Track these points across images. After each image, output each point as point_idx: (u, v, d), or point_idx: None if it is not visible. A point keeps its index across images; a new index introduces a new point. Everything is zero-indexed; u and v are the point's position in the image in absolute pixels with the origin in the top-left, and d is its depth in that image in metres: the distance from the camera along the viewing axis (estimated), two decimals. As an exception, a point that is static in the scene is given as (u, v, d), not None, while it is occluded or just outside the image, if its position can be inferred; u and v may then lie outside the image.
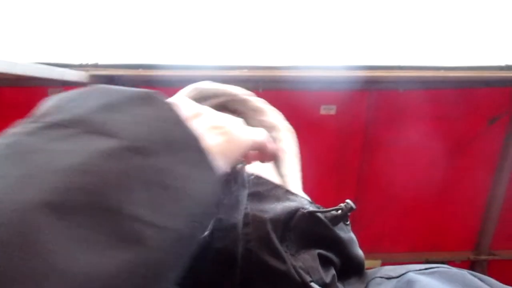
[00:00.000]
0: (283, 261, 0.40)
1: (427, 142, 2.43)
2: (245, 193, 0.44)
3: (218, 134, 0.36)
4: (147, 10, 2.06)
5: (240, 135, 0.38)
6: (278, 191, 0.47)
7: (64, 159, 0.23)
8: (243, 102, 0.69)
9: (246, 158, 0.45)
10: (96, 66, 2.04)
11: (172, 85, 2.23)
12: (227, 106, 0.67)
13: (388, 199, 2.62)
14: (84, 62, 2.04)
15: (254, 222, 0.41)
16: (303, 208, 0.45)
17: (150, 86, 2.25)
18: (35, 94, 2.24)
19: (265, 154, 0.46)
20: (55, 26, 1.99)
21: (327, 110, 2.33)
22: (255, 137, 0.42)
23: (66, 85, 2.18)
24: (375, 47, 2.22)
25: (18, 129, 0.27)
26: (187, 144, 0.29)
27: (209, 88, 0.67)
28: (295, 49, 2.20)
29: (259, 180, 0.47)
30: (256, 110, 0.70)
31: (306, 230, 0.44)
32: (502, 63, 2.16)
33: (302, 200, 0.48)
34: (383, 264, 2.74)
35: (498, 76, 2.15)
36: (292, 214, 0.44)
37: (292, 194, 0.48)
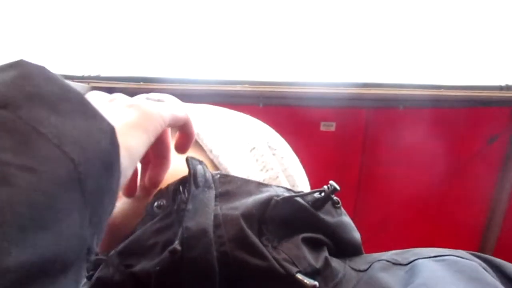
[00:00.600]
0: (264, 256, 0.38)
1: (427, 160, 2.43)
2: (211, 194, 0.42)
3: (133, 110, 0.36)
4: (149, 23, 2.08)
5: (157, 109, 0.38)
6: (250, 186, 0.45)
7: None
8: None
9: (164, 140, 0.45)
10: (98, 78, 2.05)
11: (172, 99, 2.24)
12: None
13: (387, 217, 2.60)
14: (86, 74, 2.05)
15: (225, 222, 0.39)
16: (276, 196, 0.42)
17: (150, 99, 2.26)
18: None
19: (185, 132, 0.45)
20: (57, 37, 2.00)
21: (327, 126, 2.33)
22: (175, 111, 0.42)
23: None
24: (375, 64, 2.24)
25: None
26: (62, 97, 0.28)
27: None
28: (296, 66, 2.21)
29: (225, 178, 0.45)
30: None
31: (285, 218, 0.42)
32: (502, 83, 2.17)
33: (276, 189, 0.45)
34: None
35: (498, 96, 2.15)
36: (266, 204, 0.41)
37: (265, 185, 0.46)
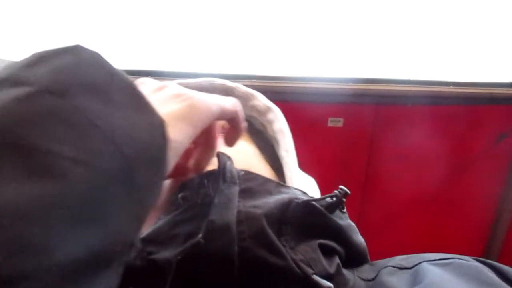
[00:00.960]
0: (282, 256, 0.39)
1: (434, 158, 2.41)
2: (235, 190, 0.43)
3: (180, 101, 0.36)
4: (155, 17, 2.08)
5: (205, 100, 0.38)
6: (270, 185, 0.46)
7: None
8: (232, 89, 0.70)
9: (211, 133, 0.45)
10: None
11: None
12: None
13: (394, 213, 2.60)
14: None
15: (247, 219, 0.40)
16: (296, 199, 0.44)
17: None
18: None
19: (234, 126, 0.45)
20: (64, 30, 2.01)
21: (335, 122, 2.33)
22: (224, 104, 0.41)
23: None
24: (383, 60, 2.22)
25: None
26: (116, 87, 0.28)
27: (192, 82, 0.70)
28: (304, 61, 2.20)
29: (249, 175, 0.47)
30: (247, 96, 0.70)
31: (302, 221, 0.43)
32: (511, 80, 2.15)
33: (295, 191, 0.47)
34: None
35: (506, 93, 2.13)
36: (286, 206, 0.43)
37: (284, 186, 0.47)
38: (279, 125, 0.68)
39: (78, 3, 2.00)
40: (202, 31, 2.10)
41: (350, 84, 2.06)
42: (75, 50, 0.29)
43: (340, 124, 2.34)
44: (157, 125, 0.30)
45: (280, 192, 0.46)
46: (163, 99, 0.36)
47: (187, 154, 0.49)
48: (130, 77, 0.30)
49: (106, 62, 0.30)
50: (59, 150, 0.23)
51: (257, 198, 0.44)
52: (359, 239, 0.49)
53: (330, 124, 2.34)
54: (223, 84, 0.71)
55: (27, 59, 0.28)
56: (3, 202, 0.20)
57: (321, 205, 0.45)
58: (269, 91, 2.23)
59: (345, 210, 0.48)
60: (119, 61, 2.15)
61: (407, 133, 2.36)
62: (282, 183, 0.48)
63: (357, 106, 2.33)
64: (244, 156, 0.58)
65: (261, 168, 0.60)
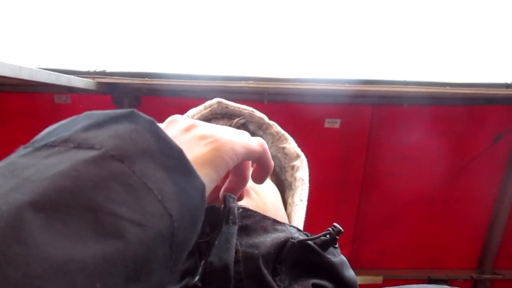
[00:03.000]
0: None
1: (431, 158, 2.42)
2: (235, 229, 0.44)
3: (206, 144, 0.37)
4: (155, 20, 2.08)
5: (231, 142, 0.39)
6: (266, 222, 0.48)
7: (51, 169, 0.26)
8: (268, 126, 0.71)
9: (242, 169, 0.45)
10: (103, 73, 2.06)
11: (177, 95, 2.24)
12: (248, 127, 0.69)
13: (391, 214, 2.60)
14: (91, 69, 2.06)
15: (244, 259, 0.42)
16: (292, 238, 0.45)
17: (155, 95, 2.26)
18: (41, 100, 2.26)
19: (261, 166, 0.45)
20: (64, 33, 2.01)
21: (331, 123, 2.33)
22: (250, 144, 0.41)
23: (72, 91, 2.20)
24: (380, 61, 2.23)
25: (13, 154, 0.30)
26: (166, 153, 0.31)
27: (235, 107, 0.70)
28: (301, 62, 2.21)
29: (246, 212, 0.48)
30: (279, 137, 0.72)
31: (297, 260, 0.45)
32: (508, 80, 2.16)
33: (290, 229, 0.48)
34: (385, 280, 2.72)
35: (503, 94, 2.14)
36: (282, 245, 0.44)
37: (280, 223, 0.48)
38: (302, 174, 0.69)
39: (83, 9, 2.01)
40: (201, 33, 2.11)
41: (347, 85, 2.06)
42: (131, 117, 0.31)
43: (337, 125, 2.35)
44: (199, 189, 0.32)
45: (276, 230, 0.47)
46: (190, 142, 0.38)
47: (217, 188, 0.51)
48: (169, 139, 0.32)
49: (159, 128, 0.32)
50: (119, 212, 0.25)
51: (253, 236, 0.45)
52: (350, 274, 0.49)
53: (327, 125, 2.34)
54: (261, 118, 0.72)
55: (82, 120, 0.31)
56: (69, 259, 0.22)
57: (316, 243, 0.46)
58: (266, 92, 2.25)
59: (337, 245, 0.49)
60: (124, 63, 2.15)
61: (404, 133, 2.37)
62: (278, 220, 0.49)
63: (354, 107, 2.33)
64: (273, 200, 0.60)
65: (282, 211, 0.63)
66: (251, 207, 0.50)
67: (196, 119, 0.65)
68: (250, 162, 0.46)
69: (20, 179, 0.25)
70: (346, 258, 0.49)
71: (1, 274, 0.20)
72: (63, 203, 0.24)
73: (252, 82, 2.04)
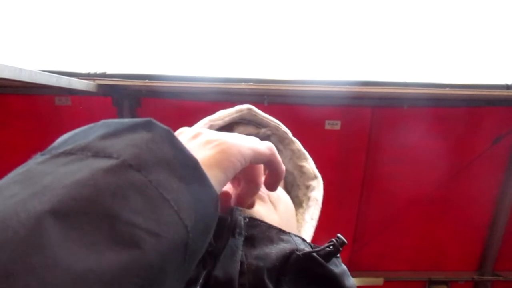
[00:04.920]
0: None
1: (431, 160, 2.42)
2: (240, 241, 0.44)
3: (212, 147, 0.38)
4: (156, 22, 2.08)
5: (238, 145, 0.39)
6: (272, 232, 0.48)
7: (69, 177, 0.26)
8: (290, 142, 0.72)
9: (254, 176, 0.45)
10: (103, 75, 2.06)
11: (178, 97, 2.24)
12: (270, 139, 0.69)
13: (391, 216, 2.60)
14: (92, 71, 2.06)
15: (249, 271, 0.42)
16: (297, 250, 0.45)
17: (155, 97, 2.26)
18: (41, 102, 2.26)
19: (272, 171, 0.45)
20: (65, 35, 2.01)
21: (332, 125, 2.33)
22: (258, 147, 0.41)
23: (72, 93, 2.20)
24: (380, 63, 2.23)
25: (30, 160, 0.30)
26: (181, 163, 0.31)
27: (263, 117, 0.71)
28: (301, 64, 2.21)
29: (253, 222, 0.48)
30: (299, 155, 0.72)
31: (301, 271, 0.45)
32: (508, 81, 2.16)
33: (295, 239, 0.48)
34: (385, 282, 2.71)
35: (503, 95, 2.14)
36: (287, 257, 0.44)
37: (285, 233, 0.49)
38: (317, 195, 0.70)
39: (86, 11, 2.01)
40: (201, 35, 2.11)
41: (347, 86, 2.06)
42: (148, 126, 0.32)
43: (337, 127, 2.35)
44: (213, 199, 0.33)
45: (282, 240, 0.47)
46: (197, 146, 0.38)
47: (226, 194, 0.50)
48: (185, 149, 0.33)
49: (175, 137, 0.32)
50: (136, 221, 0.26)
51: (259, 246, 0.45)
52: (351, 283, 0.50)
53: (327, 127, 2.34)
54: (286, 133, 0.73)
55: (99, 128, 0.31)
56: (87, 268, 0.23)
57: (319, 254, 0.46)
58: (266, 94, 2.25)
59: (339, 256, 0.49)
60: (124, 65, 2.15)
61: (404, 135, 2.37)
62: (283, 230, 0.49)
63: (354, 108, 2.33)
64: (286, 210, 0.60)
65: (293, 222, 0.64)
66: (262, 214, 0.51)
67: (227, 120, 0.68)
68: (262, 168, 0.46)
69: (38, 186, 0.25)
70: (347, 260, 0.50)
71: (21, 283, 0.21)
72: (81, 212, 0.24)
73: (252, 84, 2.04)
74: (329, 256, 0.46)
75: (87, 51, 2.13)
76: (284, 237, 0.48)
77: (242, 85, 2.02)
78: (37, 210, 0.23)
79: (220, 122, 0.67)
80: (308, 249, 0.46)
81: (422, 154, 2.41)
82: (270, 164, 0.45)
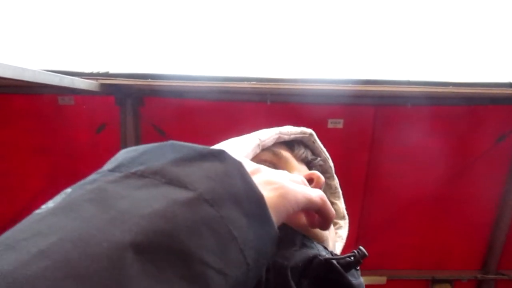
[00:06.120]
0: None
1: (434, 158, 2.42)
2: None
3: (272, 189, 0.38)
4: (158, 22, 2.09)
5: (294, 191, 0.40)
6: (296, 237, 0.50)
7: (147, 205, 0.27)
8: (330, 177, 0.75)
9: (300, 221, 0.47)
10: (106, 75, 2.06)
11: (180, 96, 2.25)
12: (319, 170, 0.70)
13: (394, 214, 2.60)
14: (94, 71, 2.06)
15: (275, 268, 0.44)
16: (320, 256, 0.47)
17: (158, 96, 2.27)
18: (44, 101, 2.27)
19: (322, 217, 0.46)
20: (68, 34, 2.01)
21: (335, 124, 2.33)
22: (311, 196, 0.42)
23: (75, 93, 2.21)
24: (383, 61, 2.23)
25: (97, 175, 0.31)
26: (251, 200, 0.32)
27: (319, 146, 0.74)
28: (304, 63, 2.21)
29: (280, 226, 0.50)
30: (335, 192, 0.74)
31: (320, 277, 0.46)
32: (511, 80, 2.15)
33: (318, 246, 0.50)
34: (388, 281, 2.71)
35: (507, 93, 2.13)
36: (310, 261, 0.46)
37: (308, 239, 0.50)
38: (343, 233, 0.72)
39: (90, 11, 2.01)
40: (204, 34, 2.11)
41: (350, 85, 2.06)
42: (221, 157, 0.33)
43: (340, 126, 2.35)
44: (273, 237, 0.34)
45: (305, 245, 0.49)
46: (258, 185, 0.38)
47: None
48: (256, 185, 0.33)
49: (246, 172, 0.33)
50: (207, 260, 0.27)
51: (283, 247, 0.46)
52: None
53: (330, 126, 2.34)
54: (331, 168, 0.76)
55: (169, 151, 0.32)
56: None
57: (340, 263, 0.47)
58: (268, 93, 2.25)
59: (358, 268, 0.51)
60: (126, 64, 2.16)
61: (407, 133, 2.36)
62: (307, 236, 0.51)
63: (357, 107, 2.33)
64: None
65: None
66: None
67: (292, 137, 0.70)
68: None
69: (116, 212, 0.26)
70: (340, 255, 0.50)
71: None
72: (160, 247, 0.25)
73: (254, 82, 2.03)
74: (349, 266, 0.48)
75: (90, 50, 2.13)
76: (308, 243, 0.49)
77: (245, 84, 2.02)
78: (118, 242, 0.24)
79: (286, 137, 0.69)
80: (329, 256, 0.48)
81: (425, 153, 2.41)
82: (320, 212, 0.46)
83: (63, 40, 2.00)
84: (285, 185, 0.39)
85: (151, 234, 0.25)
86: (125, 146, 2.41)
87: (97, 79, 2.01)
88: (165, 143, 0.34)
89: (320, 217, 0.47)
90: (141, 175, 0.29)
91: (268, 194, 0.37)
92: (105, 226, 0.24)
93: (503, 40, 2.22)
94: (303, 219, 0.49)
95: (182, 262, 0.25)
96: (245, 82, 2.03)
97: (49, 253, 0.23)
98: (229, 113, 2.21)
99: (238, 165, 0.33)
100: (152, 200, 0.27)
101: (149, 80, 2.05)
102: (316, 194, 0.43)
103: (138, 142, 2.37)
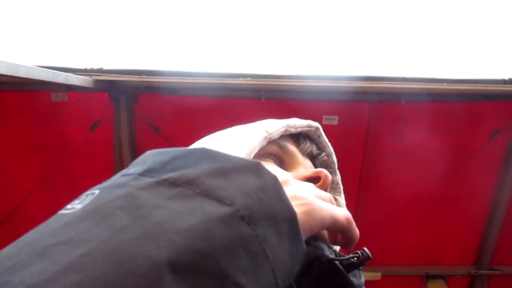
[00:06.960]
0: None
1: (429, 155, 2.43)
2: None
3: (298, 205, 0.37)
4: (152, 18, 2.07)
5: (321, 209, 0.39)
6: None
7: (183, 220, 0.26)
8: (332, 172, 0.73)
9: (323, 237, 0.47)
10: (100, 71, 2.05)
11: (175, 92, 2.24)
12: (316, 165, 0.70)
13: (389, 211, 2.61)
14: (88, 67, 2.05)
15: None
16: (323, 256, 0.46)
17: (153, 93, 2.26)
18: (38, 98, 2.25)
19: (346, 238, 0.45)
20: (62, 31, 2.00)
21: (329, 120, 2.33)
22: (337, 215, 0.42)
23: (69, 89, 2.19)
24: (378, 58, 2.23)
25: (127, 179, 0.30)
26: (284, 218, 0.31)
27: (323, 141, 0.73)
28: (299, 59, 2.20)
29: None
30: (337, 188, 0.74)
31: (321, 277, 0.46)
32: (506, 76, 2.16)
33: (322, 245, 0.49)
34: (383, 277, 2.72)
35: (501, 90, 2.14)
36: (312, 260, 0.45)
37: (313, 238, 0.49)
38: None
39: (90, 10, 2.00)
40: (198, 30, 2.10)
41: (345, 82, 2.06)
42: (257, 170, 0.32)
43: (335, 122, 2.35)
44: (301, 256, 0.33)
45: (308, 243, 0.49)
46: None
47: None
48: (290, 203, 0.32)
49: (282, 188, 0.32)
50: (241, 281, 0.26)
51: None
52: None
53: (325, 122, 2.34)
54: (334, 163, 0.75)
55: (203, 159, 0.31)
56: None
57: (342, 263, 0.47)
58: (263, 89, 2.24)
59: (361, 268, 0.50)
60: (121, 61, 2.14)
61: (402, 130, 2.37)
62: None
63: (351, 103, 2.33)
64: None
65: None
66: None
67: (298, 130, 0.68)
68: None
69: (150, 224, 0.25)
70: (344, 255, 0.50)
71: None
72: (196, 266, 0.24)
73: (249, 79, 2.03)
74: (351, 267, 0.47)
75: (84, 46, 2.12)
76: (312, 242, 0.48)
77: (240, 80, 2.02)
78: (155, 258, 0.23)
79: (293, 130, 0.67)
80: (333, 256, 0.47)
81: (420, 149, 2.41)
82: (344, 233, 0.45)
83: (57, 36, 1.99)
84: (312, 201, 0.39)
85: (188, 253, 0.24)
86: (119, 143, 2.41)
87: (91, 75, 1.99)
88: (196, 149, 0.33)
89: (343, 238, 0.46)
90: (173, 183, 0.29)
91: (295, 209, 0.37)
92: (139, 240, 0.24)
93: (497, 37, 2.23)
94: (326, 236, 0.49)
95: (217, 283, 0.25)
96: (240, 79, 2.02)
97: (79, 266, 0.22)
98: (223, 110, 2.21)
99: (274, 181, 0.32)
100: (188, 214, 0.26)
101: (144, 76, 2.04)
102: (343, 214, 0.42)
103: (132, 139, 2.36)
